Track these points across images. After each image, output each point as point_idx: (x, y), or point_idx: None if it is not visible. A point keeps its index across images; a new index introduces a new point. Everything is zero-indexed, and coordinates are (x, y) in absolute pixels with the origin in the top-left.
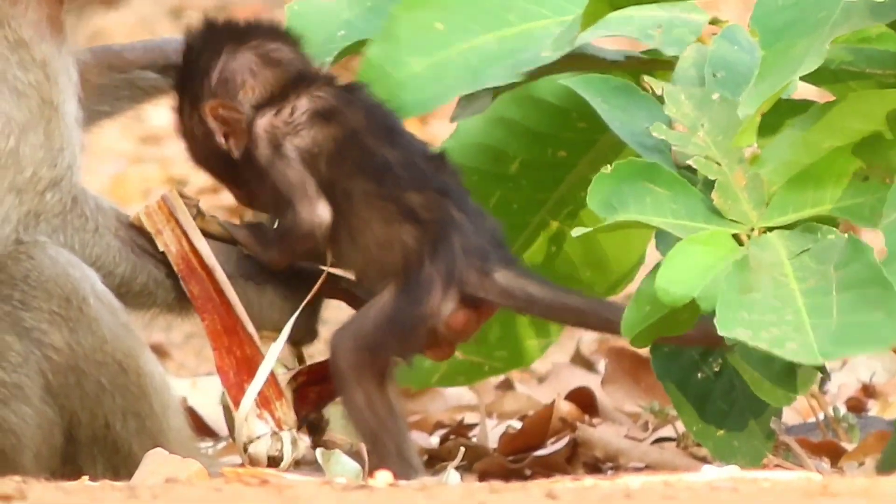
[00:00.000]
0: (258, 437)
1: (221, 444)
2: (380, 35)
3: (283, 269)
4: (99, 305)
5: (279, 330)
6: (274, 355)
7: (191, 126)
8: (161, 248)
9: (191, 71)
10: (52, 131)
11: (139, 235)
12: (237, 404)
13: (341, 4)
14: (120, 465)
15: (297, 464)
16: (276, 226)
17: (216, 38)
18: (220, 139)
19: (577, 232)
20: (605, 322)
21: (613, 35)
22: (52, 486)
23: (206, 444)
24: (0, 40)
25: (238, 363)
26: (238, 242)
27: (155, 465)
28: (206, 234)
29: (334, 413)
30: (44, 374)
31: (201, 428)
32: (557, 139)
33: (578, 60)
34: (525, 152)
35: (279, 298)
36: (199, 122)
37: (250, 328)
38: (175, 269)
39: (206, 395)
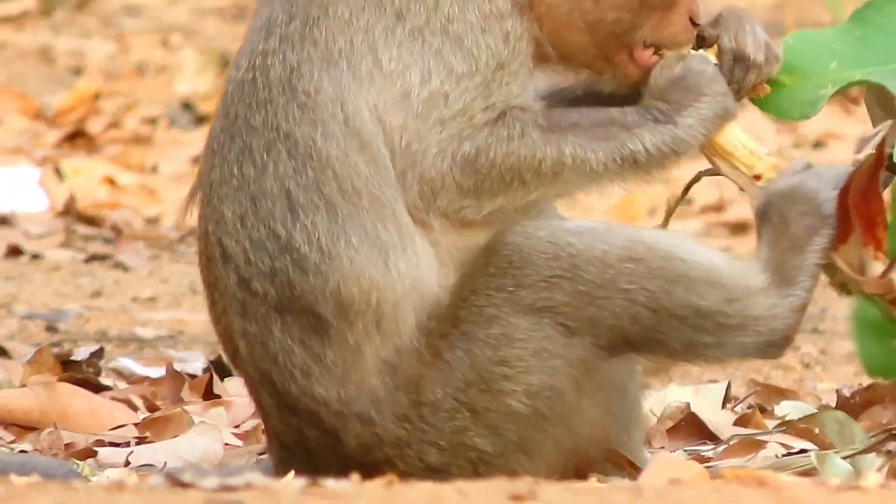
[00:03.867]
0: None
1: (721, 448)
2: None
3: None
4: (582, 238)
5: None
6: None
7: None
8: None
9: None
10: (492, 82)
11: (557, 113)
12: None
13: (830, 36)
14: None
15: None
16: None
17: None
18: None
19: None
20: None
21: None
22: (562, 487)
23: (707, 448)
24: (474, 10)
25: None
26: None
27: (660, 467)
28: None
29: None
30: (563, 329)
31: (703, 432)
32: None
33: None
34: None
35: None
36: None
37: None
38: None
39: (708, 401)
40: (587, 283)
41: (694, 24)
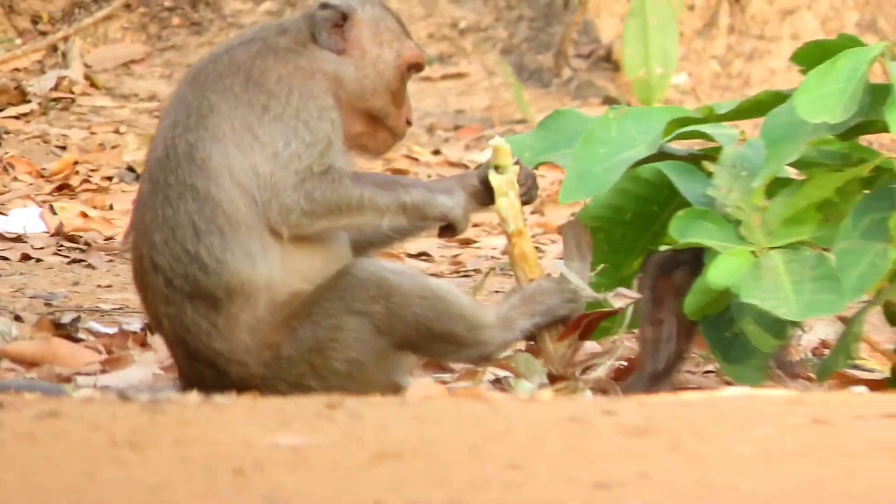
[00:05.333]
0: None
1: (455, 375)
2: (581, 141)
3: None
4: (394, 274)
5: None
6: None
7: None
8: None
9: None
10: (327, 149)
11: (366, 176)
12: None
13: (525, 138)
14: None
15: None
16: None
17: None
18: None
19: (663, 248)
20: None
21: (681, 140)
22: (359, 400)
23: (446, 375)
24: (312, 104)
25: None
26: None
27: (418, 388)
28: None
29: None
30: (378, 326)
31: (443, 366)
32: (652, 200)
33: (662, 155)
34: (634, 208)
35: None
36: None
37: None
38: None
39: None
40: (393, 304)
41: (408, 122)
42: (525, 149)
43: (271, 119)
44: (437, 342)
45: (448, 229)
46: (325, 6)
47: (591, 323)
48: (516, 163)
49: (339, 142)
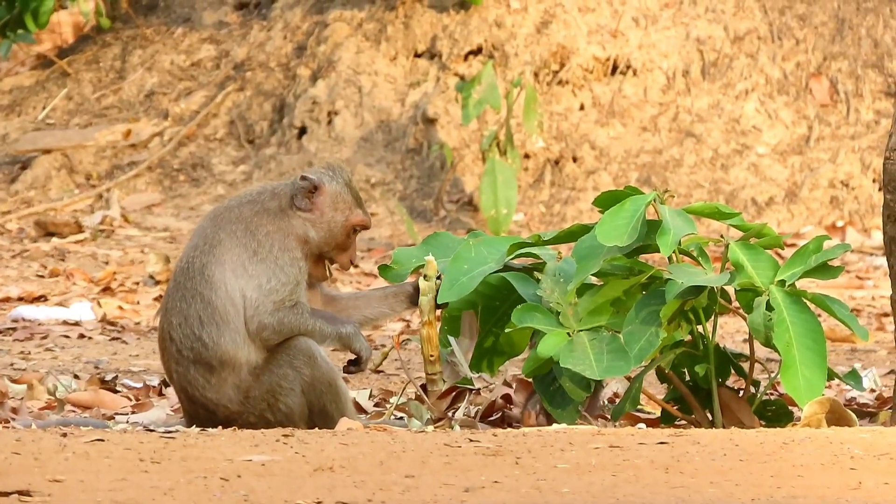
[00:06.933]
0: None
1: (368, 417)
2: (451, 260)
3: None
4: (320, 356)
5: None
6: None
7: None
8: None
9: None
10: (296, 288)
11: (319, 312)
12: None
13: (415, 250)
14: (328, 423)
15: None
16: None
17: None
18: None
19: (507, 329)
20: None
21: (519, 258)
22: (304, 432)
23: (363, 417)
24: (287, 254)
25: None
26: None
27: (342, 424)
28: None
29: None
30: (302, 387)
31: (360, 409)
32: (497, 297)
33: (506, 268)
34: (484, 302)
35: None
36: None
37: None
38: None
39: (361, 397)
40: (311, 374)
41: (352, 263)
42: (413, 258)
43: (258, 260)
44: (321, 414)
45: (354, 364)
46: (304, 178)
47: (459, 392)
48: (439, 277)
49: (304, 282)
